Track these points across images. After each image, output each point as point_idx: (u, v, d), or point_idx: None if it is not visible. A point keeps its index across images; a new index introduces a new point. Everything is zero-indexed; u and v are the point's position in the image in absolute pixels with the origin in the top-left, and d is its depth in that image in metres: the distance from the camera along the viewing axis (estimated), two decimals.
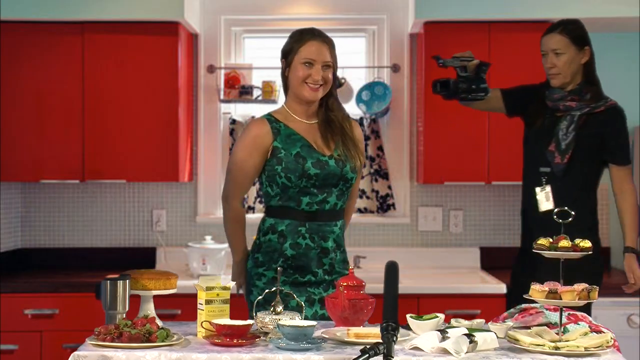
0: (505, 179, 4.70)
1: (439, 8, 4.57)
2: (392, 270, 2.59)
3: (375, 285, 3.58)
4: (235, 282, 3.31)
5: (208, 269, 4.65)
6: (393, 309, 2.49)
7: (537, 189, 3.79)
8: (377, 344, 2.37)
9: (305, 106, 3.34)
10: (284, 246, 3.26)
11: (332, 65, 3.33)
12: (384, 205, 5.01)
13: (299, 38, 3.32)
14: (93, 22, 4.63)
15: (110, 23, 4.63)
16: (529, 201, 3.84)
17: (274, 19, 5.09)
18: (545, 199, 3.77)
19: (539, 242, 2.72)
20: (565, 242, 2.68)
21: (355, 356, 2.36)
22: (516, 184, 4.98)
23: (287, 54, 3.34)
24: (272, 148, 3.27)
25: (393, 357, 2.36)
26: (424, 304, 4.31)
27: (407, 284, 4.34)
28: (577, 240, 2.69)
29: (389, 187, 5.02)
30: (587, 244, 2.68)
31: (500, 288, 4.37)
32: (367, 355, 2.34)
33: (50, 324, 4.38)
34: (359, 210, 5.05)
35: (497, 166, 4.68)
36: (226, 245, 4.81)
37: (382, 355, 2.35)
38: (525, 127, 3.96)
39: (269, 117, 3.35)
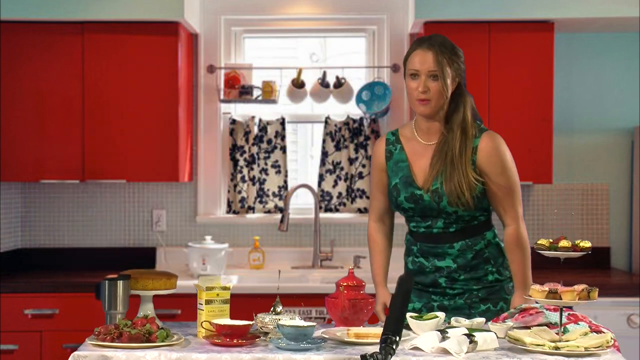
0: None
1: (439, 8, 4.57)
2: (404, 283, 2.52)
3: None
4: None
5: (208, 269, 4.66)
6: (397, 322, 2.44)
7: None
8: (375, 353, 2.35)
9: (427, 123, 3.14)
10: (407, 259, 3.27)
11: (440, 74, 3.05)
12: None
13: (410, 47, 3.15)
14: (93, 22, 4.63)
15: (110, 23, 4.63)
16: None
17: (274, 19, 5.09)
18: None
19: (539, 242, 2.73)
20: (565, 242, 2.68)
21: (356, 357, 2.36)
22: None
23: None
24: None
25: None
26: None
27: None
28: (577, 241, 2.70)
29: None
30: (587, 244, 2.68)
31: None
32: None
33: (50, 324, 4.38)
34: (359, 210, 5.05)
35: None
36: (226, 245, 4.82)
37: None
38: None
39: (388, 136, 3.24)
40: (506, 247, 3.14)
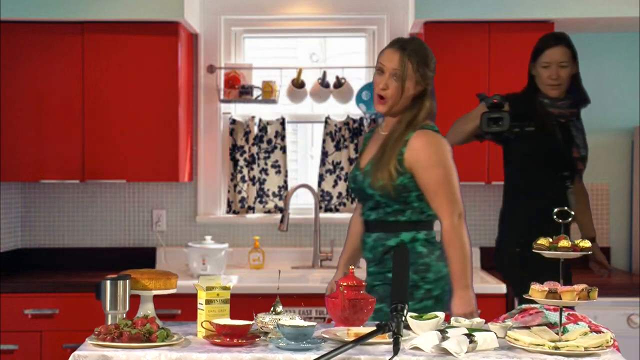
0: None
1: (439, 8, 4.57)
2: (401, 254, 2.66)
3: None
4: None
5: (208, 269, 4.66)
6: (402, 290, 2.58)
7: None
8: (387, 322, 2.49)
9: (386, 116, 3.31)
10: None
11: (401, 75, 3.19)
12: None
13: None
14: (93, 22, 4.63)
15: (110, 23, 4.63)
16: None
17: (274, 19, 5.09)
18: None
19: (538, 242, 2.72)
20: (565, 242, 2.68)
21: (356, 358, 2.38)
22: None
23: None
24: None
25: (402, 335, 2.47)
26: None
27: None
28: (577, 240, 2.70)
29: None
30: (587, 243, 2.68)
31: (500, 288, 4.37)
32: (381, 331, 2.48)
33: (50, 324, 4.38)
34: None
35: (497, 166, 4.67)
36: (226, 245, 4.82)
37: (392, 332, 2.47)
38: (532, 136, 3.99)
39: (372, 129, 3.43)
40: (443, 245, 3.21)
